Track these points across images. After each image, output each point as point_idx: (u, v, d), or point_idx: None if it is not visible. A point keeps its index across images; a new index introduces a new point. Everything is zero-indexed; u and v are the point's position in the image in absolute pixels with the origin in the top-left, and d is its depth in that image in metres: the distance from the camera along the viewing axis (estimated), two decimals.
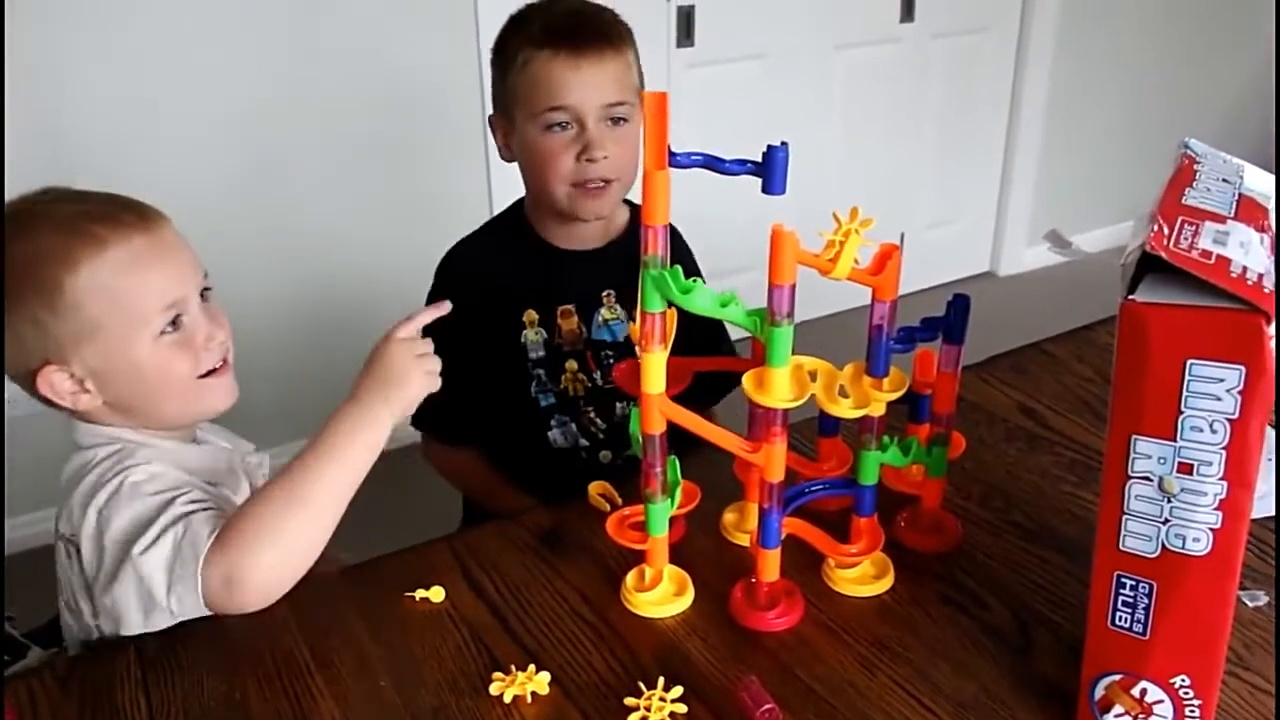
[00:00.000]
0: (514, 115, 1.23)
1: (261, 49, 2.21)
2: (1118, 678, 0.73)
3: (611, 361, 1.30)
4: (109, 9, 2.05)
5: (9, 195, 0.95)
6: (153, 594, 0.84)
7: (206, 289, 0.98)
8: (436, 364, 0.93)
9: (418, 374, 0.90)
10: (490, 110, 1.31)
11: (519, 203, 1.34)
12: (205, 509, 0.88)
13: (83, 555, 0.90)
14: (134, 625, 0.86)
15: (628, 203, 1.32)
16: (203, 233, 1.04)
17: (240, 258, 2.26)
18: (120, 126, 2.12)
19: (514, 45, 1.21)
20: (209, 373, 0.96)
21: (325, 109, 2.31)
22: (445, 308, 0.97)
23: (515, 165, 1.28)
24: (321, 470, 0.85)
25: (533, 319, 1.28)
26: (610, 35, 1.21)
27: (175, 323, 0.93)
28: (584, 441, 1.32)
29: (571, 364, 1.29)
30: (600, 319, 1.30)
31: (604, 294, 1.30)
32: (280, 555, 0.83)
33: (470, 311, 1.28)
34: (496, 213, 1.40)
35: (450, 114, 2.42)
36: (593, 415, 1.32)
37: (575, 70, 1.18)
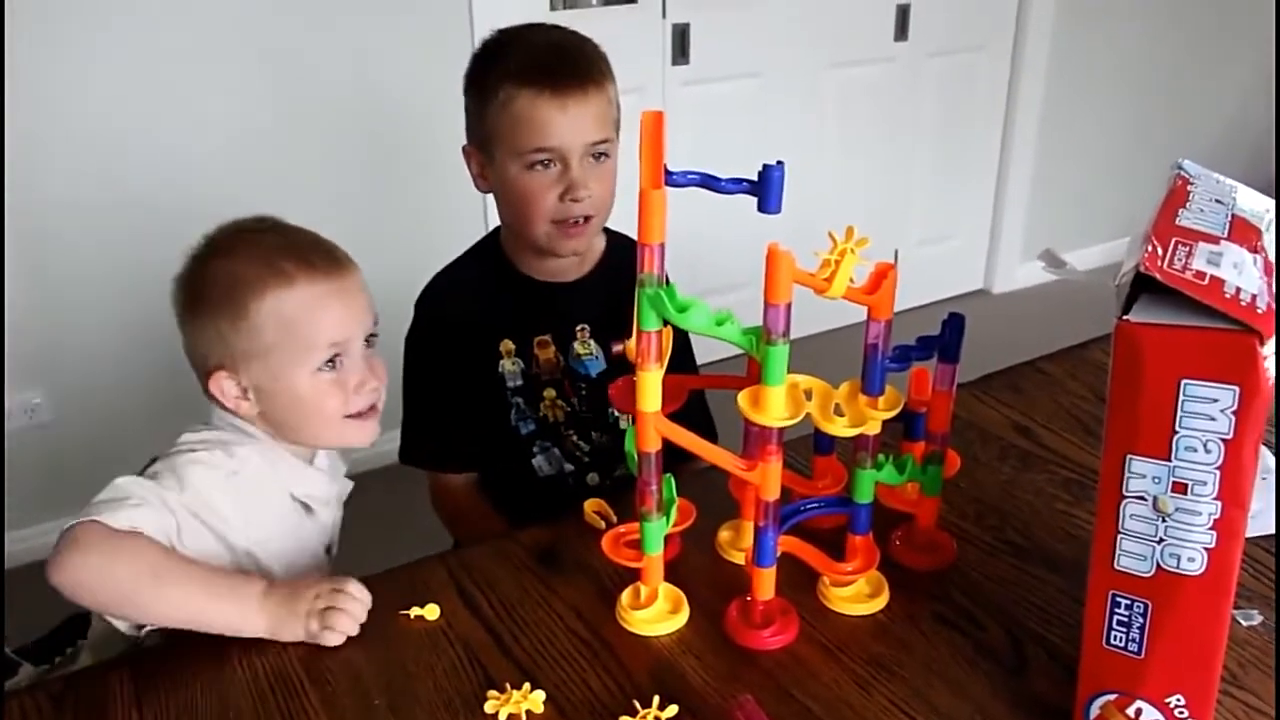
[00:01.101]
0: (493, 151, 1.20)
1: (259, 70, 2.22)
2: (1113, 697, 0.73)
3: (585, 393, 1.29)
4: (103, 28, 2.05)
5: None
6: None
7: (373, 335, 1.04)
8: (344, 625, 0.89)
9: (309, 618, 0.88)
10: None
11: (495, 232, 1.32)
12: (166, 520, 0.91)
13: None
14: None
15: (604, 230, 1.31)
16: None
17: None
18: (113, 148, 2.12)
19: (493, 79, 1.18)
20: (357, 414, 1.03)
21: (319, 130, 2.31)
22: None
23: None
24: (191, 593, 0.88)
25: (509, 349, 1.27)
26: (593, 71, 1.19)
27: (333, 361, 1.01)
28: (569, 466, 1.31)
29: (550, 392, 1.28)
30: (574, 353, 1.29)
31: (578, 328, 1.29)
32: (104, 580, 0.86)
33: (449, 344, 1.28)
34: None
35: (444, 136, 2.42)
36: (575, 439, 1.30)
37: (561, 111, 1.15)
